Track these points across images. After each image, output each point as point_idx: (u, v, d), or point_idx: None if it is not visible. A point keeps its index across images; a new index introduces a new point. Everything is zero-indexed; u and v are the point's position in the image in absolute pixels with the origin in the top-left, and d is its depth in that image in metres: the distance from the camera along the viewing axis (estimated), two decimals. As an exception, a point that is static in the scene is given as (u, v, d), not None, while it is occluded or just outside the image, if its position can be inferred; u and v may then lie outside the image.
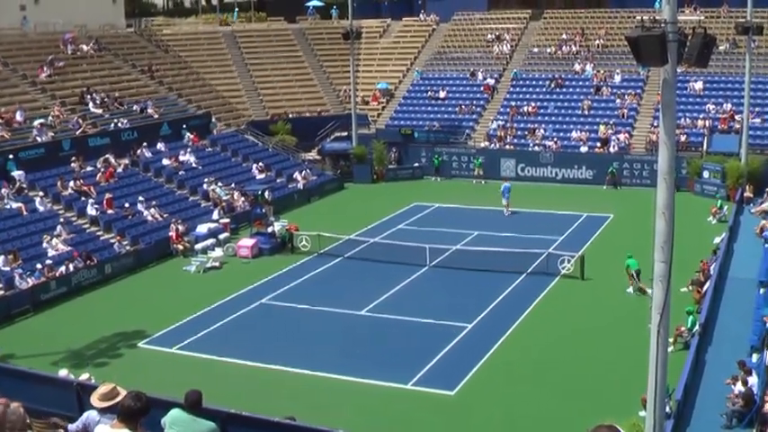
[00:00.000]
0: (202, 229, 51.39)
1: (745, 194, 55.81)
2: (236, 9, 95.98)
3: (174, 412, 11.23)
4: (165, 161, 58.92)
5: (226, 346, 35.85)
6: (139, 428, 9.53)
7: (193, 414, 11.17)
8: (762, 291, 37.82)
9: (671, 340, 28.93)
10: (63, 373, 24.01)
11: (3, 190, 49.37)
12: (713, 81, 69.02)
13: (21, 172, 51.43)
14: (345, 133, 71.32)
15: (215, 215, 53.73)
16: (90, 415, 11.19)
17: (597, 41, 77.15)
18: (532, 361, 33.90)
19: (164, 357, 35.18)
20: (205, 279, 45.71)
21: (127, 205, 51.93)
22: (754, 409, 26.66)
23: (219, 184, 57.80)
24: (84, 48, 68.82)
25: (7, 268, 42.51)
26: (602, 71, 73.47)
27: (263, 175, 61.88)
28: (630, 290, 40.19)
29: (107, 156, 56.23)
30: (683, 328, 33.47)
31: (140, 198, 52.67)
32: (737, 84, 65.88)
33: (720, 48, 67.49)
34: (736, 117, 63.60)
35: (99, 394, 11.03)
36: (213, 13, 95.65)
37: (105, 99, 62.86)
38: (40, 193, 50.86)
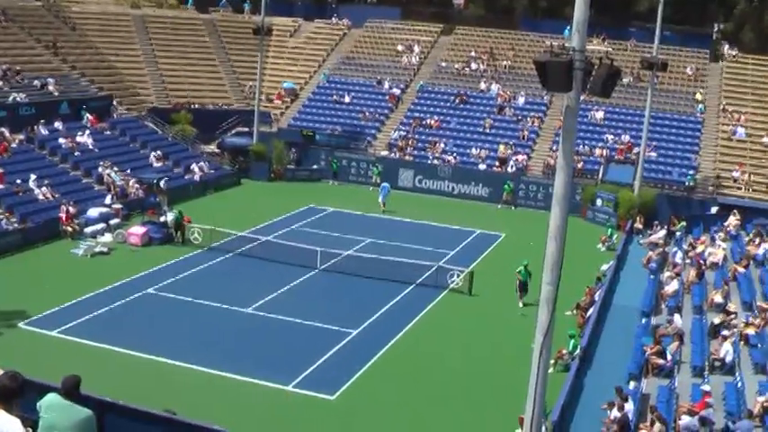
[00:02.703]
0: (93, 212, 50.64)
1: (635, 225, 56.81)
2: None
3: (51, 397, 11.04)
4: (62, 140, 57.96)
5: (108, 333, 35.33)
6: (15, 410, 9.36)
7: (70, 400, 10.98)
8: (643, 320, 38.59)
9: (551, 362, 29.31)
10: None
11: None
12: (614, 112, 70.34)
13: None
14: (247, 129, 71.00)
15: (107, 200, 52.97)
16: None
17: (505, 62, 77.97)
18: (414, 371, 34.08)
19: (44, 340, 34.54)
20: (92, 264, 45.04)
21: (18, 182, 50.97)
22: (628, 435, 27.14)
23: (115, 168, 56.98)
24: (-10, 18, 67.51)
25: None
26: (506, 92, 74.29)
27: (160, 164, 61.25)
28: (521, 303, 40.88)
29: (2, 129, 55.14)
30: (564, 351, 33.97)
31: (33, 176, 51.72)
32: (637, 117, 67.23)
33: (624, 80, 68.80)
34: (634, 149, 64.78)
35: (-24, 371, 10.82)
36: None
37: (6, 72, 61.61)
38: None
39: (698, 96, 71.19)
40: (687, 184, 62.48)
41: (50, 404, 10.96)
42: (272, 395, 31.11)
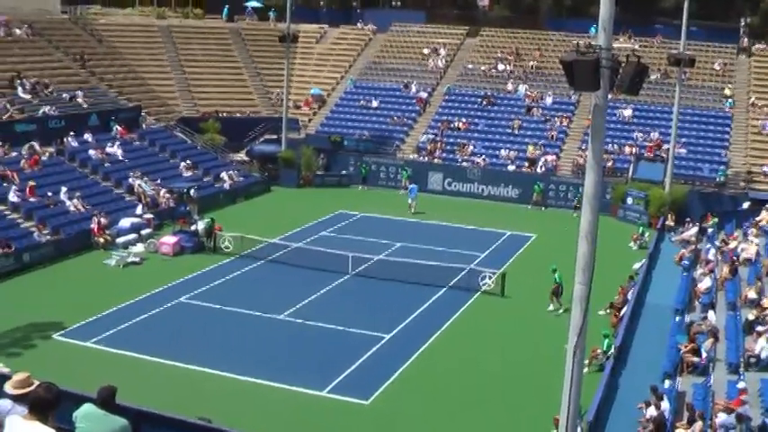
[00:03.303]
0: (125, 223, 50.88)
1: (666, 223, 56.54)
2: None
3: (86, 407, 11.08)
4: (92, 152, 58.24)
5: (142, 342, 35.50)
6: (50, 421, 9.40)
7: (106, 410, 11.02)
8: (677, 318, 38.40)
9: (586, 362, 29.25)
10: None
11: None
12: (643, 109, 69.99)
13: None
14: (275, 136, 71.13)
15: (138, 210, 53.17)
16: (1, 404, 11.04)
17: (531, 62, 77.79)
18: (448, 374, 34.03)
19: (78, 351, 34.74)
20: (125, 274, 45.25)
21: (50, 194, 51.24)
22: (664, 434, 27.02)
23: (145, 178, 57.20)
24: (18, 31, 67.81)
25: None
26: (534, 92, 74.12)
27: (189, 173, 61.43)
28: (552, 307, 40.60)
29: (32, 143, 55.44)
30: (598, 351, 33.84)
31: (64, 188, 51.99)
32: (666, 114, 66.88)
33: (652, 77, 68.42)
34: (663, 146, 64.44)
35: (13, 381, 10.91)
36: (150, 6, 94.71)
37: (35, 85, 61.99)
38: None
39: (726, 91, 70.74)
40: (718, 179, 62.10)
41: (86, 414, 11.00)
42: (307, 401, 31.13)
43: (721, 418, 27.21)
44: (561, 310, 39.94)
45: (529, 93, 74.18)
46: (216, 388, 31.76)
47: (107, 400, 11.13)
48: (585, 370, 27.94)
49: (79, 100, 63.33)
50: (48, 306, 39.16)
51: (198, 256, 48.13)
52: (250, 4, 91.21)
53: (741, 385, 29.43)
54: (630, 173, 63.61)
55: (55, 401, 9.48)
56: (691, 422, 27.13)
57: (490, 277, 44.02)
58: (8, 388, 10.90)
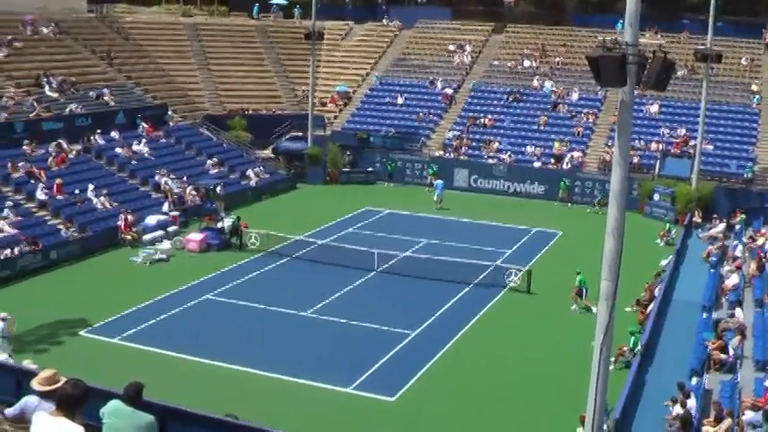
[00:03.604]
0: (151, 220, 51.06)
1: (693, 219, 56.26)
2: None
3: (114, 403, 11.15)
4: (118, 150, 58.50)
5: (169, 339, 35.66)
6: (77, 417, 9.45)
7: (133, 406, 11.09)
8: (704, 315, 38.23)
9: (612, 359, 29.16)
10: (2, 357, 23.80)
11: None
12: (669, 105, 69.65)
13: (-29, 152, 50.92)
14: (301, 133, 71.20)
15: (165, 207, 53.35)
16: (29, 401, 11.11)
17: (557, 58, 77.59)
18: (474, 371, 34.00)
19: (106, 347, 34.93)
20: (151, 271, 45.43)
21: (77, 192, 51.51)
22: (692, 431, 26.91)
23: (172, 176, 57.37)
24: (44, 30, 68.18)
25: (-49, 248, 42.09)
26: (560, 88, 73.91)
27: (215, 170, 61.61)
28: (575, 307, 40.46)
29: (60, 141, 55.73)
30: (625, 348, 33.74)
31: (91, 185, 52.26)
32: (693, 109, 66.53)
33: (678, 73, 68.07)
34: (690, 142, 64.12)
35: (41, 378, 10.97)
36: (176, 4, 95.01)
37: (62, 83, 62.29)
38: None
39: (754, 87, 70.30)
40: (745, 176, 61.72)
41: (113, 411, 11.07)
42: (333, 398, 31.18)
43: (748, 415, 27.09)
44: (580, 311, 39.92)
45: (555, 89, 73.99)
46: (242, 385, 31.86)
47: (134, 397, 11.19)
48: (612, 367, 27.83)
49: (106, 98, 63.61)
50: (75, 303, 39.36)
51: (224, 254, 48.24)
52: (275, 2, 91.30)
53: (769, 383, 29.32)
54: (657, 169, 63.36)
55: (82, 398, 9.53)
56: (718, 420, 27.02)
57: (516, 274, 43.95)
58: (35, 384, 10.98)
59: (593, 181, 63.19)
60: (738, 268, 44.13)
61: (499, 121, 71.96)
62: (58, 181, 51.11)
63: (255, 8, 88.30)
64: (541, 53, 78.60)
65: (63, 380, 10.39)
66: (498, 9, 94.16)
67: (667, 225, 54.81)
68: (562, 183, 63.41)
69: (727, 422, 26.67)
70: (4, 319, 32.51)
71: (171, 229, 51.07)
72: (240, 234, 49.76)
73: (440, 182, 61.98)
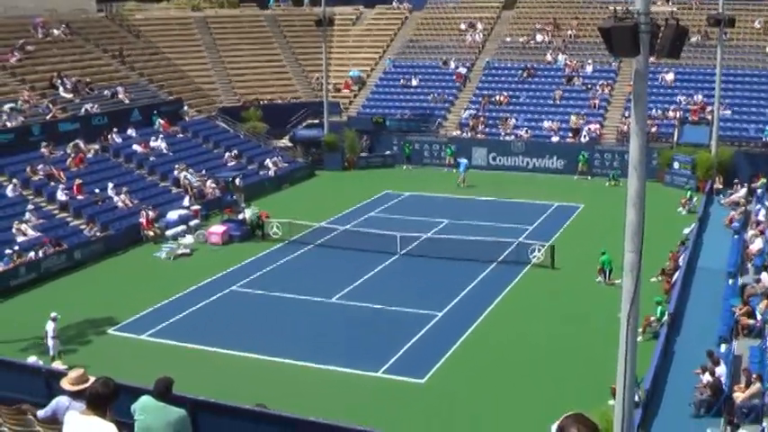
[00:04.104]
0: (173, 215, 51.18)
1: (714, 186, 56.03)
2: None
3: (144, 399, 11.21)
4: (136, 147, 58.64)
5: (196, 333, 35.81)
6: (108, 414, 9.49)
7: (163, 401, 11.15)
8: (730, 281, 38.09)
9: (640, 330, 29.11)
10: (32, 359, 23.94)
11: (-29, 174, 49.04)
12: (684, 73, 69.33)
13: (-10, 157, 51.13)
14: (317, 121, 71.14)
15: (185, 202, 53.49)
16: (60, 401, 11.17)
17: (569, 32, 77.27)
18: (502, 349, 34.02)
19: (134, 344, 35.09)
20: (175, 266, 45.58)
21: (97, 191, 51.71)
22: (722, 398, 26.86)
23: (190, 170, 57.51)
24: (55, 32, 68.30)
25: (-24, 254, 42.28)
26: (574, 61, 73.64)
27: (234, 162, 61.67)
28: (600, 279, 40.41)
29: (77, 141, 55.89)
30: (652, 318, 33.67)
31: (110, 184, 52.44)
32: (708, 75, 66.14)
33: (692, 39, 67.71)
34: (707, 108, 63.84)
35: (70, 378, 11.03)
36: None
37: (76, 84, 62.45)
38: (10, 179, 50.40)
39: (768, 50, 69.99)
40: (765, 139, 61.39)
41: (144, 406, 11.13)
42: (363, 382, 31.27)
43: (780, 378, 27.01)
44: (606, 285, 39.92)
45: (569, 62, 73.72)
46: (271, 374, 31.99)
47: (164, 392, 11.26)
48: (640, 338, 27.82)
49: (120, 96, 63.74)
50: (101, 302, 39.54)
51: (247, 245, 48.36)
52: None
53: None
54: (675, 137, 63.08)
55: (112, 395, 9.56)
56: (749, 386, 26.93)
57: (539, 250, 43.91)
58: (65, 384, 11.03)
59: (612, 153, 63.01)
60: (762, 233, 43.87)
61: (514, 98, 71.79)
62: (77, 181, 51.28)
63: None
64: (553, 27, 78.27)
65: (92, 379, 10.43)
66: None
67: (688, 193, 54.63)
68: (581, 156, 63.23)
69: (757, 386, 26.58)
70: (54, 319, 33.00)
71: (192, 223, 51.18)
72: (262, 224, 49.83)
73: (464, 161, 62.08)
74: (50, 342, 32.87)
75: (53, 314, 33.17)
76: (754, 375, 27.30)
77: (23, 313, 38.43)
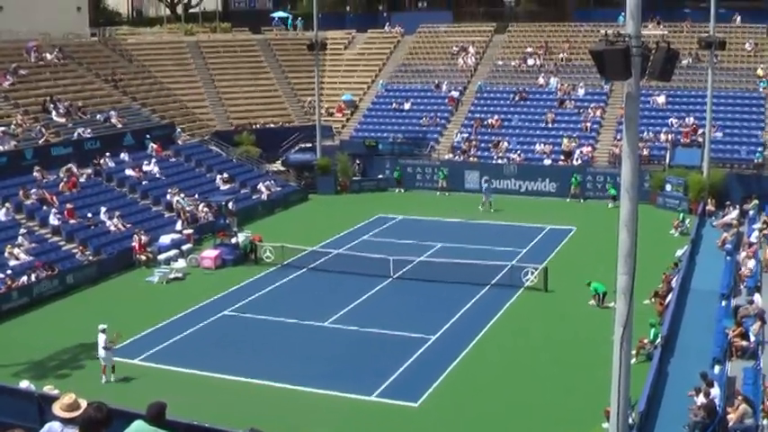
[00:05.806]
0: (165, 239, 51.16)
1: (707, 207, 56.15)
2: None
3: (137, 424, 11.15)
4: (129, 171, 58.59)
5: (189, 357, 35.71)
6: (102, 440, 9.46)
7: (156, 426, 11.10)
8: (723, 303, 38.11)
9: (633, 352, 29.17)
10: (24, 384, 23.83)
11: (-36, 199, 48.98)
12: (676, 95, 69.53)
13: (-18, 181, 51.09)
14: (310, 144, 71.15)
15: (178, 226, 53.45)
16: (52, 426, 11.11)
17: (561, 55, 77.49)
18: (496, 373, 33.99)
19: (127, 368, 34.90)
20: (168, 290, 45.50)
21: (89, 215, 51.63)
22: (717, 420, 26.82)
23: (183, 194, 57.45)
24: (48, 56, 68.43)
25: (-32, 278, 42.20)
26: (565, 84, 73.82)
27: (226, 186, 61.67)
28: (593, 302, 40.40)
29: (70, 165, 55.83)
30: (645, 341, 33.66)
31: (103, 208, 52.38)
32: (700, 98, 66.32)
33: (683, 62, 68.03)
34: (699, 131, 64.03)
35: (63, 404, 10.96)
36: (178, 23, 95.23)
37: (69, 108, 62.48)
38: (2, 203, 50.30)
39: (759, 72, 70.00)
40: (756, 161, 61.53)
41: (138, 431, 11.07)
42: (356, 406, 31.20)
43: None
44: (593, 303, 40.00)
45: (560, 85, 73.90)
46: (264, 398, 31.88)
47: (157, 416, 11.22)
48: (633, 360, 27.83)
49: (113, 120, 63.77)
50: (93, 326, 39.01)
51: (240, 268, 48.30)
52: (276, 15, 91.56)
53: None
54: (667, 159, 63.26)
55: (105, 421, 9.54)
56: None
57: (533, 272, 43.93)
58: (57, 410, 10.98)
59: (605, 175, 63.10)
60: (754, 254, 43.99)
61: (507, 121, 71.87)
62: (69, 205, 51.29)
63: (276, 19, 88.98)
64: (545, 51, 78.49)
65: (85, 403, 10.40)
66: (499, 9, 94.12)
67: (681, 215, 54.74)
68: (573, 179, 63.33)
69: (743, 407, 26.63)
70: (103, 331, 33.08)
71: (185, 247, 51.14)
72: (255, 248, 49.79)
73: (486, 185, 62.44)
74: (102, 353, 32.98)
75: (102, 326, 33.43)
76: (739, 397, 27.36)
77: (16, 338, 38.36)
